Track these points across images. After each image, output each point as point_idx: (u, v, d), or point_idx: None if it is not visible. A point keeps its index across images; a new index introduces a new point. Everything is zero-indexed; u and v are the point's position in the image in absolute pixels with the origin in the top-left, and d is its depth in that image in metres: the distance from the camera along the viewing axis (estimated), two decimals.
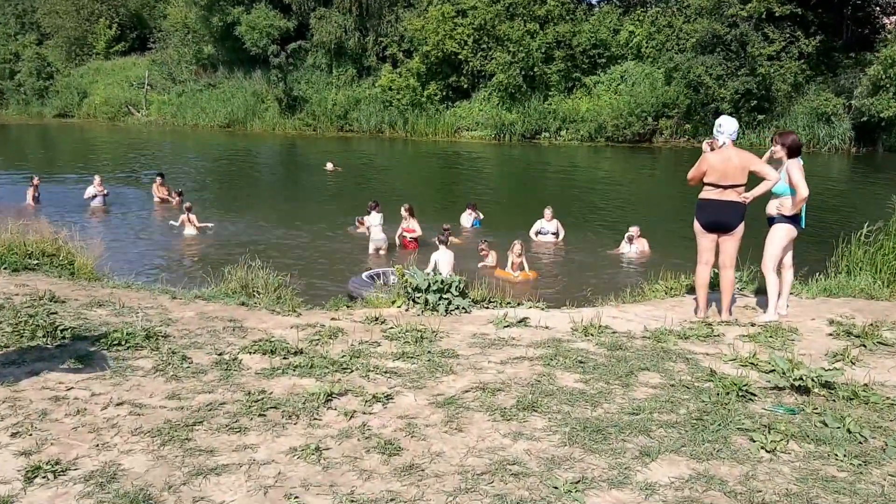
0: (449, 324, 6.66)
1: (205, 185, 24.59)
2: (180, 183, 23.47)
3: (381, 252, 14.84)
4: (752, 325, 6.99)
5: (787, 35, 34.78)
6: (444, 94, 40.34)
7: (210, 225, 16.52)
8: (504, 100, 38.63)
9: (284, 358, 5.35)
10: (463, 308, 7.15)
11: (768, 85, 34.64)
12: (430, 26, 38.73)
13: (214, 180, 26.08)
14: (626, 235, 14.93)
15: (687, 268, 11.35)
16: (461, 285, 7.28)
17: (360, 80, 43.33)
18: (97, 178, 19.27)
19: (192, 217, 16.35)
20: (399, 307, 7.30)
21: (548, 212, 16.11)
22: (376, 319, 6.59)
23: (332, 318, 6.69)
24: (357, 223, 17.17)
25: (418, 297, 7.23)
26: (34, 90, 53.33)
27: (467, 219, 17.60)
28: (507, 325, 6.56)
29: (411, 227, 15.55)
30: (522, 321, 6.68)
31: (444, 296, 7.14)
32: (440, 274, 12.30)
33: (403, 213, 15.64)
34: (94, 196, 18.97)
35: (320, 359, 5.29)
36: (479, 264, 13.65)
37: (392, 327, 6.36)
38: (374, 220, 15.02)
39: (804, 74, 35.13)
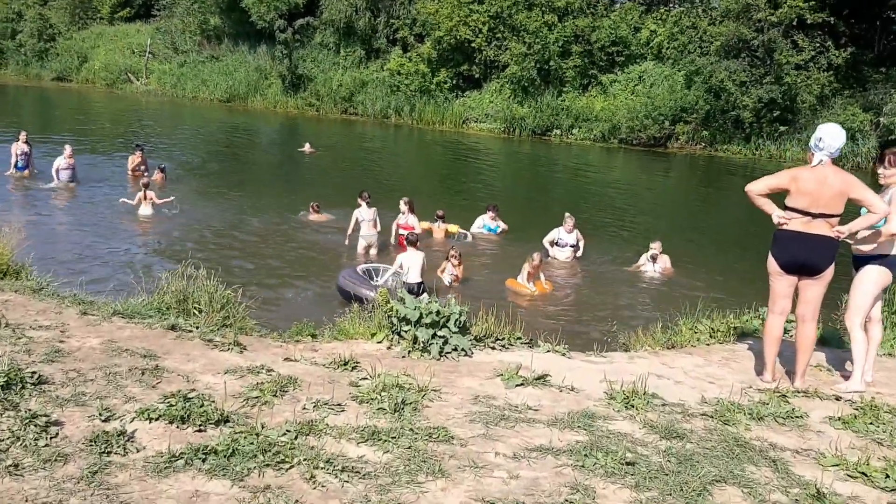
0: (443, 374, 5.01)
1: (190, 162, 22.88)
2: (166, 157, 21.86)
3: (372, 250, 13.21)
4: (838, 398, 5.35)
5: (817, 44, 33.09)
6: (455, 82, 38.61)
7: (171, 199, 14.79)
8: (516, 92, 36.90)
9: (199, 429, 3.68)
10: (463, 350, 5.49)
11: (794, 95, 32.96)
12: (444, 11, 37.00)
13: (202, 157, 24.37)
14: (650, 254, 13.23)
15: (717, 297, 9.76)
16: (462, 318, 5.60)
17: (368, 62, 41.58)
18: (68, 149, 17.00)
19: (151, 194, 14.63)
20: (379, 342, 5.63)
21: (569, 221, 13.88)
22: (345, 364, 4.92)
23: (287, 359, 5.01)
24: (311, 209, 15.62)
25: (405, 332, 5.56)
26: (34, 51, 51.77)
27: (482, 222, 15.56)
28: (521, 384, 4.89)
29: (409, 223, 13.86)
30: (542, 378, 5.01)
31: (440, 332, 5.48)
32: (405, 277, 10.86)
33: (402, 206, 13.94)
34: (65, 169, 16.80)
35: (250, 437, 3.60)
36: (440, 272, 11.68)
37: (366, 378, 4.70)
38: (364, 213, 13.33)
39: (831, 87, 33.44)
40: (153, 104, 40.86)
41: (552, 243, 13.91)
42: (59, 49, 51.54)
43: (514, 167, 28.40)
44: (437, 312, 5.42)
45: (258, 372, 4.61)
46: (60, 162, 16.84)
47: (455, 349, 5.45)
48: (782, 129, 33.12)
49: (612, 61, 36.93)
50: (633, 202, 21.56)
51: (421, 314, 5.41)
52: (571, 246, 13.81)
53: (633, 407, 4.62)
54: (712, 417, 4.62)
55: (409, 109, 38.47)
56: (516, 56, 35.83)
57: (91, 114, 35.11)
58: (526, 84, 36.41)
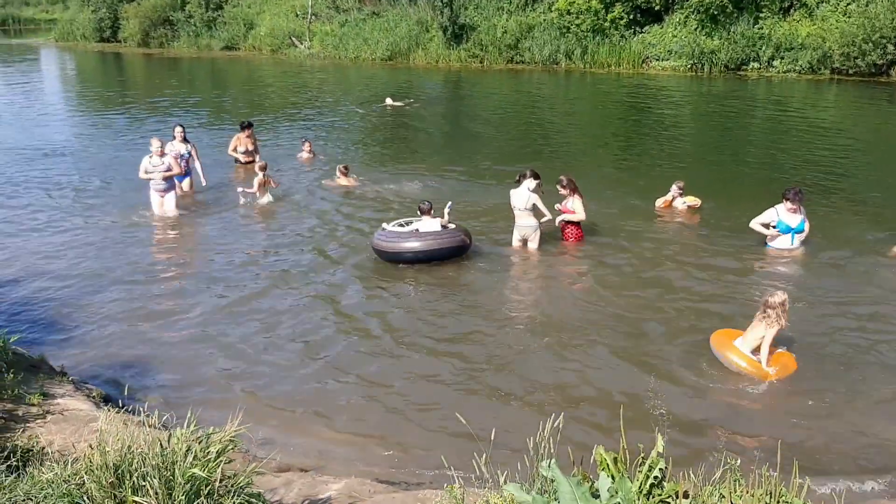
0: None
1: (346, 133, 20.91)
2: (312, 131, 20.03)
3: (531, 245, 10.34)
4: None
5: None
6: (632, 17, 34.72)
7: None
8: (704, 23, 32.62)
9: None
10: None
11: None
12: None
13: (358, 127, 22.34)
14: None
15: None
16: None
17: (534, 3, 38.32)
18: (155, 143, 12.05)
19: (271, 178, 12.44)
20: None
21: None
22: None
23: None
24: (339, 172, 13.36)
25: None
26: (203, 21, 51.98)
27: (774, 215, 10.22)
28: None
29: (570, 206, 10.68)
30: None
31: None
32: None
33: (561, 188, 10.72)
34: (164, 180, 11.98)
35: None
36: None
37: None
38: (518, 198, 10.29)
39: None
40: (316, 67, 39.69)
41: None
42: (226, 17, 51.49)
43: (708, 110, 24.48)
44: None
45: None
46: (147, 164, 12.00)
47: None
48: None
49: None
50: (862, 153, 17.44)
51: None
52: None
53: None
54: None
55: (581, 52, 35.15)
56: None
57: (258, 83, 34.28)
58: (715, 12, 32.13)
